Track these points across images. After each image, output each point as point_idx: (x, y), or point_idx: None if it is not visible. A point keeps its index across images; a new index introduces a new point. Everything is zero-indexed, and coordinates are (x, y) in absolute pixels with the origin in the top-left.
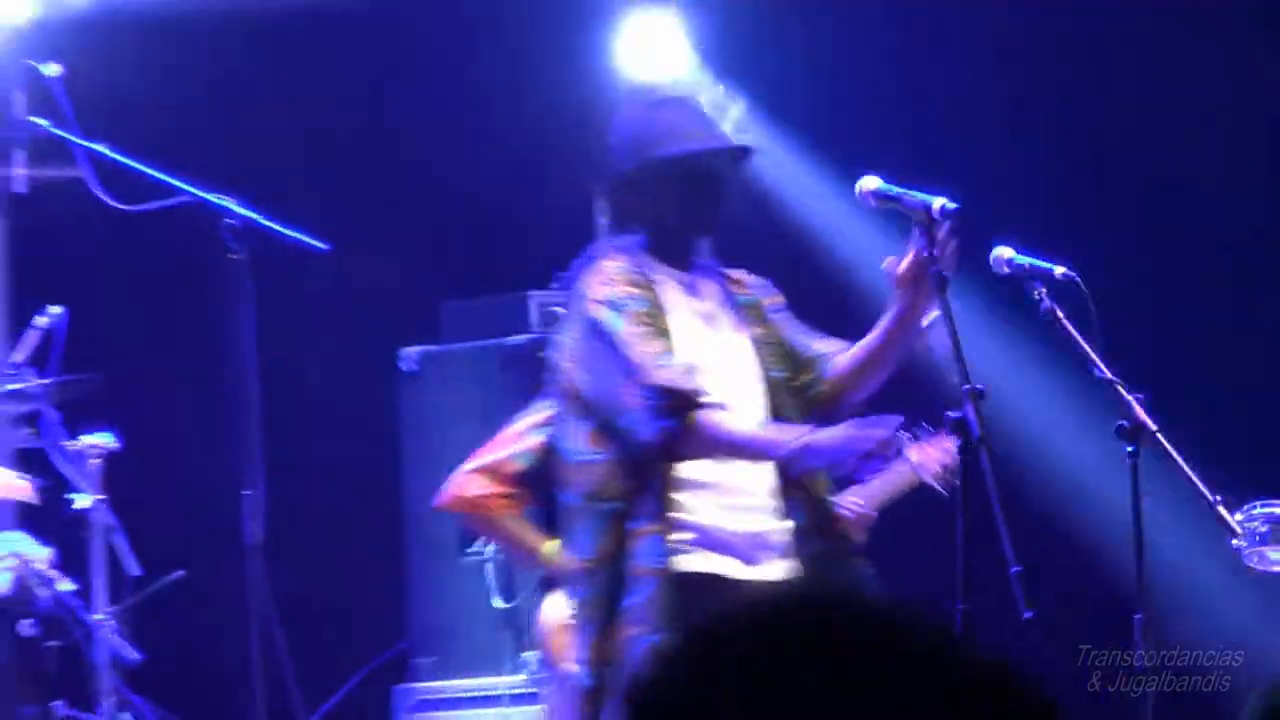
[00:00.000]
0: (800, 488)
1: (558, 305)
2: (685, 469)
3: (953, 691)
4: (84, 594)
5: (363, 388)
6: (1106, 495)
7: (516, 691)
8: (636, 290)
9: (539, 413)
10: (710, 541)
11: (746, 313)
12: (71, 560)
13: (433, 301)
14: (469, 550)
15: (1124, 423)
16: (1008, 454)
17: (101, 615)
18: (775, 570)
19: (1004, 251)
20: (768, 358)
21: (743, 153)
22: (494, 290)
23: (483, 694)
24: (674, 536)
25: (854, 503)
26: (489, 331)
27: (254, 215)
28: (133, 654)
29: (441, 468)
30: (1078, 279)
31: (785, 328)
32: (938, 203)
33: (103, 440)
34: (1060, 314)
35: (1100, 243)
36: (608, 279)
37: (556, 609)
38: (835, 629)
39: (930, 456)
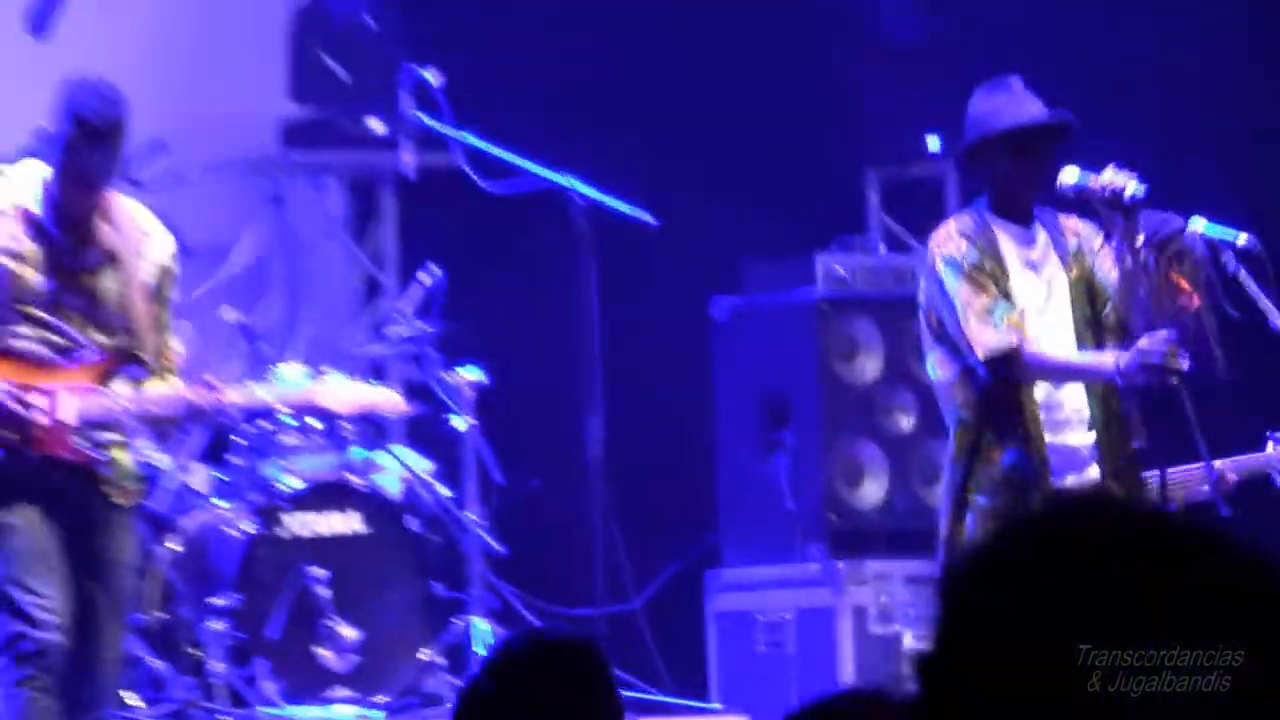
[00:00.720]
0: (1106, 407)
1: (838, 265)
2: (1022, 392)
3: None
4: (458, 498)
5: (680, 332)
6: None
7: (805, 577)
8: (972, 245)
9: None
10: (1043, 454)
11: (1071, 257)
12: (449, 471)
13: (736, 258)
14: (765, 465)
15: None
16: None
17: (472, 515)
18: (1087, 476)
19: (1196, 223)
20: (1078, 296)
21: (1060, 124)
22: (787, 250)
23: (778, 578)
24: (1014, 450)
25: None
26: (783, 285)
27: (595, 194)
28: (497, 547)
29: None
30: (1259, 249)
31: (1100, 266)
32: (1129, 189)
33: (474, 375)
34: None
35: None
36: (948, 236)
37: None
38: (1115, 536)
39: None
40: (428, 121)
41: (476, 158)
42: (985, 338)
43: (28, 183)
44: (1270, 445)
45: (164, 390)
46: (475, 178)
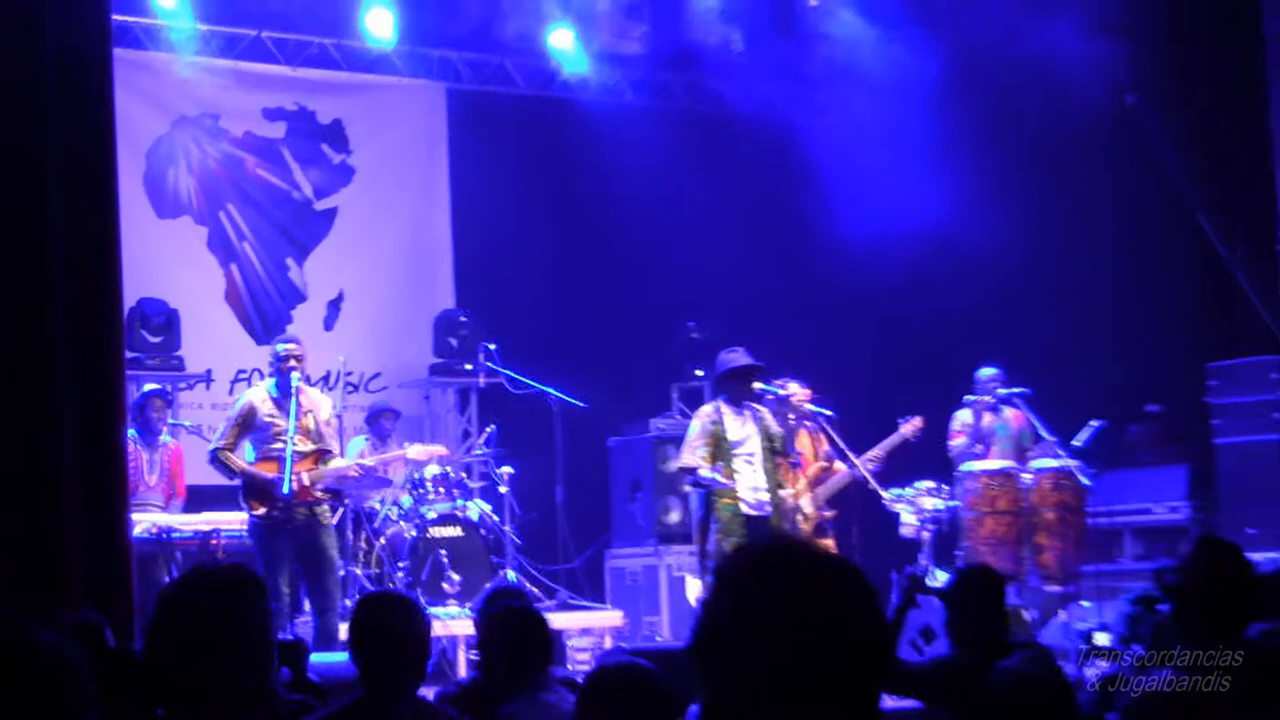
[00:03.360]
0: (772, 478)
1: (661, 424)
2: (734, 474)
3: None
4: (501, 520)
5: (598, 451)
6: None
7: (648, 553)
8: (711, 417)
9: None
10: (746, 501)
11: (760, 423)
12: (498, 509)
13: (619, 422)
14: (630, 504)
15: None
16: None
17: (508, 528)
18: (766, 510)
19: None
20: (765, 440)
21: (756, 366)
22: (639, 417)
23: (636, 554)
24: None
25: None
26: (638, 433)
27: (558, 393)
28: (518, 540)
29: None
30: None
31: (772, 424)
32: (783, 393)
33: (508, 470)
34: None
35: None
36: (703, 411)
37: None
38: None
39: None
40: (489, 365)
41: (509, 380)
42: (685, 459)
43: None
44: (900, 426)
45: (341, 466)
46: (509, 387)
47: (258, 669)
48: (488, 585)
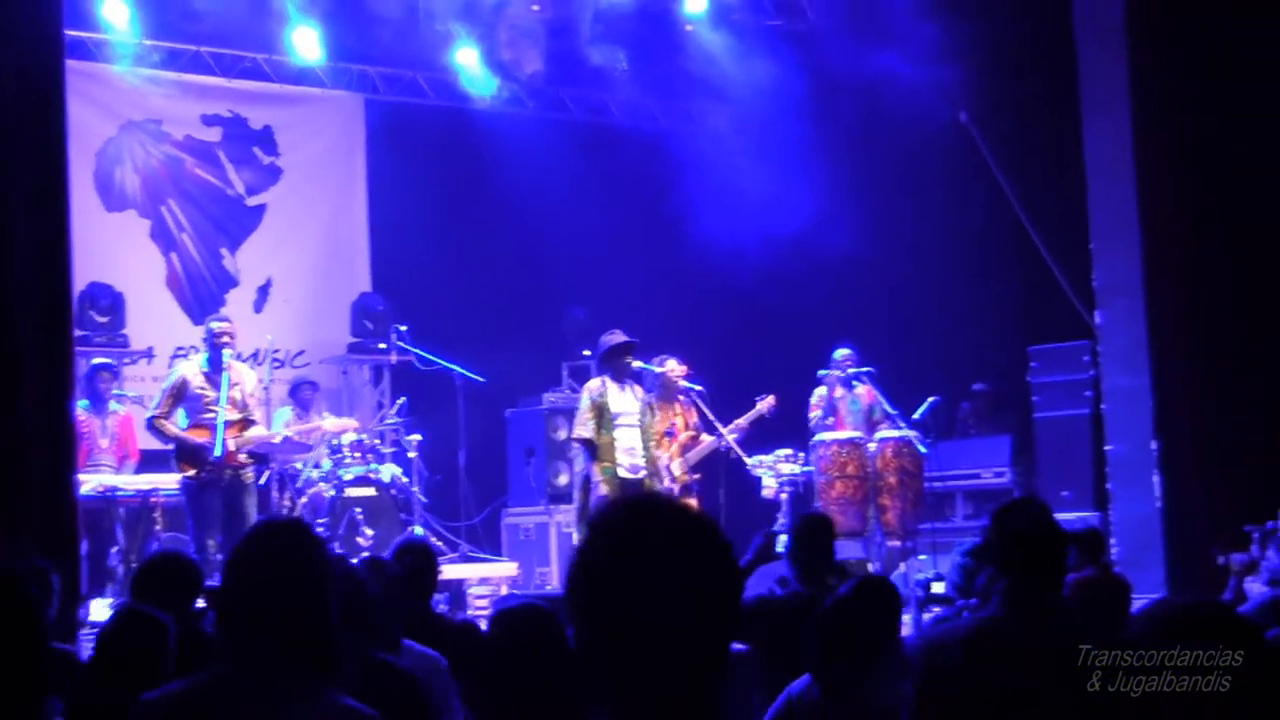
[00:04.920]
0: (645, 445)
1: (552, 397)
2: (616, 439)
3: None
4: (410, 482)
5: (497, 421)
6: None
7: (540, 511)
8: (599, 391)
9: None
10: (622, 465)
11: (639, 399)
12: (408, 471)
13: (516, 395)
14: (526, 468)
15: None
16: None
17: (416, 489)
18: (643, 474)
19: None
20: (643, 413)
21: (633, 342)
22: (534, 390)
23: (530, 512)
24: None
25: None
26: (533, 405)
27: (461, 370)
28: (424, 499)
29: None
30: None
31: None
32: (659, 369)
33: (416, 438)
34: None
35: None
36: (590, 386)
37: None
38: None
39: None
40: (400, 344)
41: (418, 357)
42: (578, 431)
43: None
44: (758, 403)
45: (264, 433)
46: (417, 364)
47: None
48: (398, 539)
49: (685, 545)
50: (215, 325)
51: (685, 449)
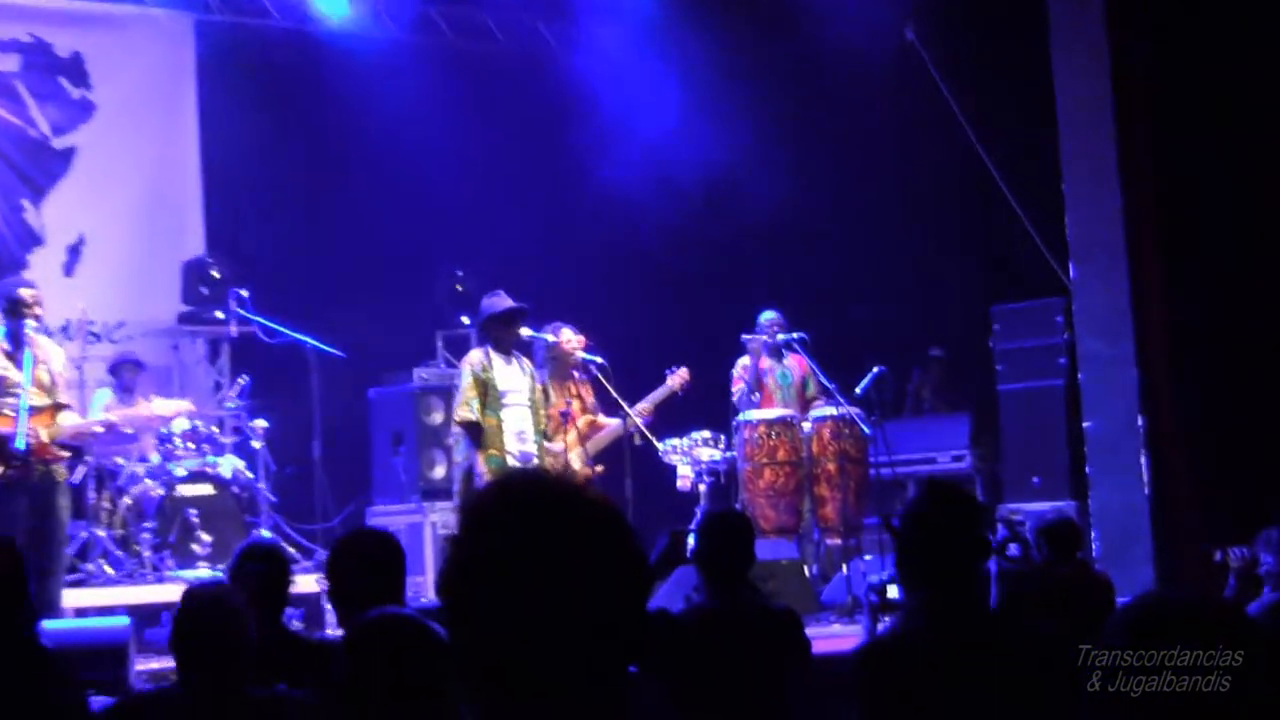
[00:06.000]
0: (536, 425)
1: (424, 374)
2: (502, 424)
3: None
4: (256, 477)
5: (357, 403)
6: None
7: (411, 510)
8: (481, 364)
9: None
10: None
11: (526, 369)
12: (251, 465)
13: (378, 372)
14: (393, 460)
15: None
16: None
17: (262, 485)
18: (534, 460)
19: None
20: (530, 386)
21: (521, 309)
22: (401, 366)
23: (400, 510)
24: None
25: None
26: (400, 383)
27: (316, 342)
28: (272, 498)
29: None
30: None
31: (535, 371)
32: (553, 338)
33: (262, 423)
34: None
35: None
36: (471, 359)
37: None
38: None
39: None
40: (241, 312)
41: (263, 328)
42: (461, 413)
43: None
44: (668, 378)
45: (79, 421)
46: (262, 336)
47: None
48: (240, 544)
49: (582, 535)
50: (20, 293)
51: (584, 438)
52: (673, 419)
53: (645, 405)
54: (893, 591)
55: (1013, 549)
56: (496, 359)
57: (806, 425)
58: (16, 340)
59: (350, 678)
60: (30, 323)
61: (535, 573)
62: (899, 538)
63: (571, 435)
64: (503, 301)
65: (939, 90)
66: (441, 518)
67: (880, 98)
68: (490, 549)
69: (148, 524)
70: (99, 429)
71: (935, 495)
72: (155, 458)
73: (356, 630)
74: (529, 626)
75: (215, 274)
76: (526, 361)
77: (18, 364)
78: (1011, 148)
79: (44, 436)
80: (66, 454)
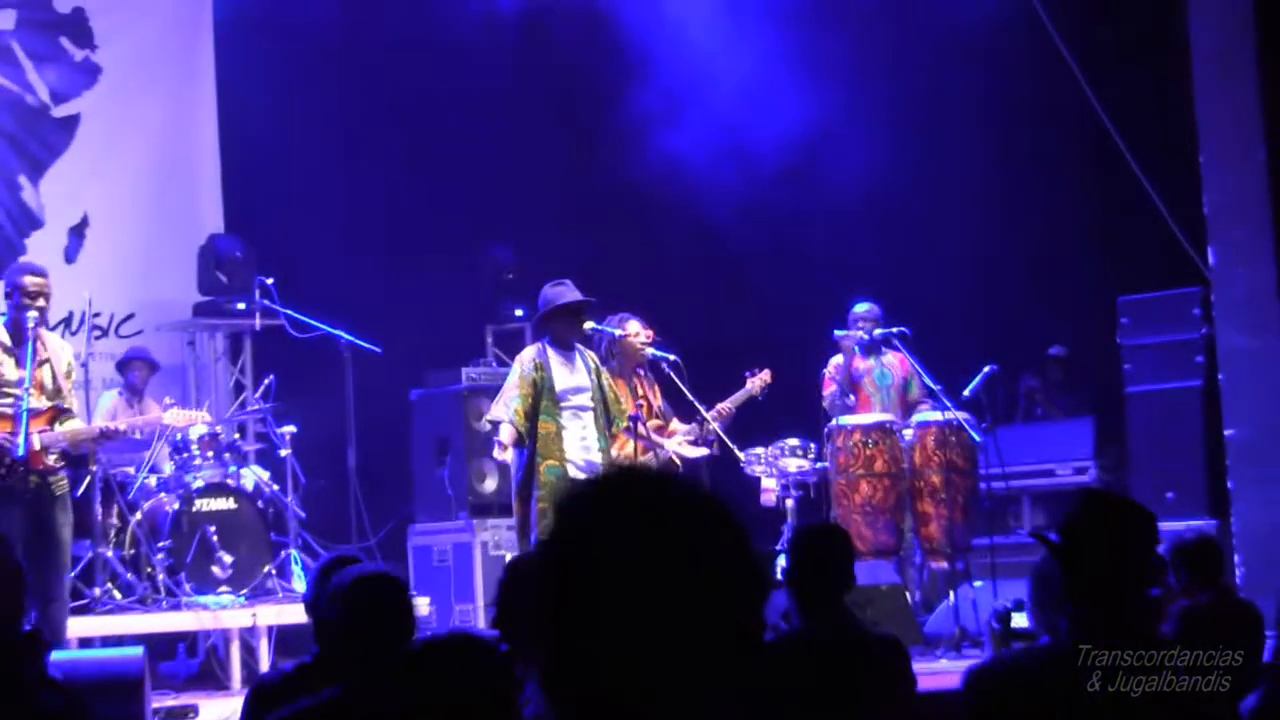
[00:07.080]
0: (608, 434)
1: (472, 374)
2: (563, 431)
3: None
4: (282, 490)
5: (397, 406)
6: None
7: (458, 528)
8: (533, 362)
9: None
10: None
11: (592, 367)
12: (278, 477)
13: (421, 371)
14: (437, 472)
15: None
16: None
17: (289, 498)
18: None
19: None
20: (595, 385)
21: (586, 302)
22: (447, 365)
23: (444, 529)
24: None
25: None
26: (447, 384)
27: (351, 338)
28: (301, 514)
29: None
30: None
31: (602, 370)
32: (619, 330)
33: (289, 429)
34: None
35: None
36: (524, 355)
37: None
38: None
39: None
40: (265, 302)
41: (291, 321)
42: (493, 410)
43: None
44: (747, 380)
45: (80, 428)
46: (290, 329)
47: None
48: (266, 569)
49: (703, 528)
50: (24, 280)
51: (649, 445)
52: (755, 426)
53: (726, 406)
54: (1019, 619)
55: None
56: (554, 357)
57: (908, 432)
58: (18, 334)
59: (414, 698)
60: (33, 315)
61: (656, 581)
62: (1060, 553)
63: (629, 446)
64: (569, 292)
65: (1055, 46)
66: (493, 536)
67: (989, 56)
68: (604, 556)
69: (162, 543)
70: (97, 436)
71: (1107, 506)
72: (169, 468)
73: (418, 650)
74: (648, 642)
75: (236, 257)
76: (591, 356)
77: (19, 361)
78: (1141, 115)
79: (37, 444)
80: (62, 464)
